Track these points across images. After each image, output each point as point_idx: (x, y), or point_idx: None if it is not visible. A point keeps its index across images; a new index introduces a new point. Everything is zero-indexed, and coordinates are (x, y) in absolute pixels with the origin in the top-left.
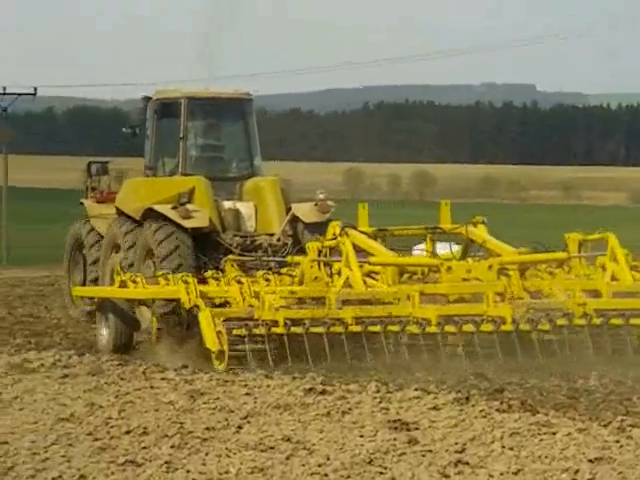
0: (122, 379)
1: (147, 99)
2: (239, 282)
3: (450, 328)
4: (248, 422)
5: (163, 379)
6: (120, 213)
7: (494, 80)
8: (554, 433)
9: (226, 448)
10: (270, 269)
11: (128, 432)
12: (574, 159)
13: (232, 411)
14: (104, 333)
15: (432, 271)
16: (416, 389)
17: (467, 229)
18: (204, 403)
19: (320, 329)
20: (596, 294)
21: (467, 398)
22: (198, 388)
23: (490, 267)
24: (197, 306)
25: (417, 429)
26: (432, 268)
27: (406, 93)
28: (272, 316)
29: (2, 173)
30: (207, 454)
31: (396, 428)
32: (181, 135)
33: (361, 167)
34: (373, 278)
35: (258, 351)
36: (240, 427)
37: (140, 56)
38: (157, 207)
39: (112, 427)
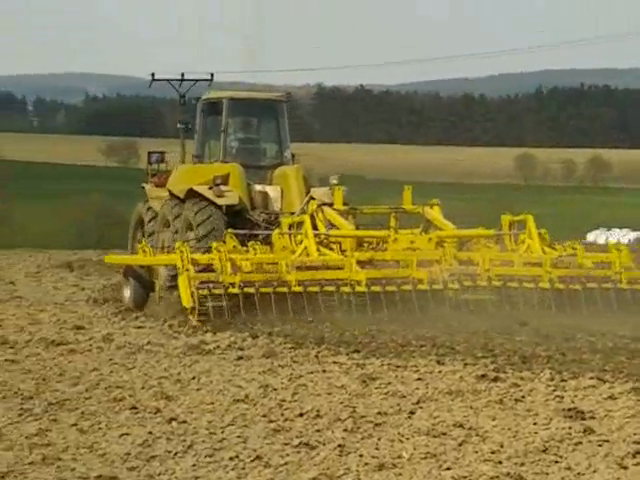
0: (295, 362)
1: (197, 99)
2: (218, 251)
3: (376, 288)
4: (420, 407)
5: (335, 363)
6: (171, 194)
7: None
8: None
9: (398, 433)
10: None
11: (301, 415)
12: None
13: (404, 396)
14: (127, 293)
15: (384, 242)
16: (591, 377)
17: (424, 209)
18: (376, 388)
19: (268, 289)
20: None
21: None
22: (370, 373)
23: (430, 240)
24: (188, 270)
25: (593, 418)
26: (383, 239)
27: (581, 77)
28: (231, 279)
29: (181, 157)
30: (380, 439)
31: (571, 417)
32: (222, 129)
33: (533, 152)
34: (331, 248)
35: (219, 307)
36: (412, 412)
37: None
38: (196, 187)
39: (286, 409)
